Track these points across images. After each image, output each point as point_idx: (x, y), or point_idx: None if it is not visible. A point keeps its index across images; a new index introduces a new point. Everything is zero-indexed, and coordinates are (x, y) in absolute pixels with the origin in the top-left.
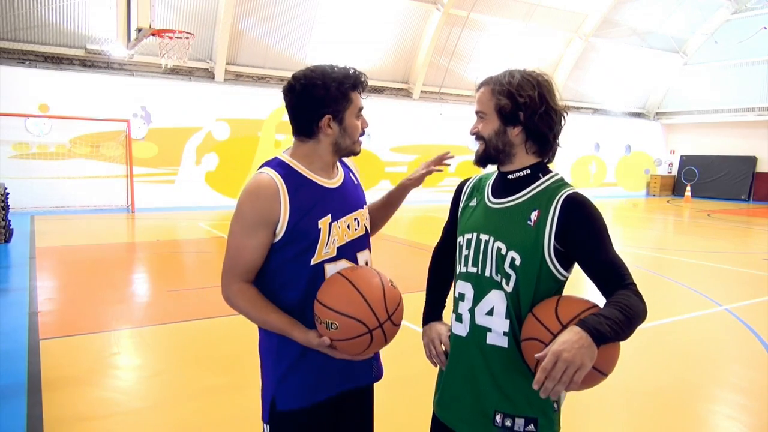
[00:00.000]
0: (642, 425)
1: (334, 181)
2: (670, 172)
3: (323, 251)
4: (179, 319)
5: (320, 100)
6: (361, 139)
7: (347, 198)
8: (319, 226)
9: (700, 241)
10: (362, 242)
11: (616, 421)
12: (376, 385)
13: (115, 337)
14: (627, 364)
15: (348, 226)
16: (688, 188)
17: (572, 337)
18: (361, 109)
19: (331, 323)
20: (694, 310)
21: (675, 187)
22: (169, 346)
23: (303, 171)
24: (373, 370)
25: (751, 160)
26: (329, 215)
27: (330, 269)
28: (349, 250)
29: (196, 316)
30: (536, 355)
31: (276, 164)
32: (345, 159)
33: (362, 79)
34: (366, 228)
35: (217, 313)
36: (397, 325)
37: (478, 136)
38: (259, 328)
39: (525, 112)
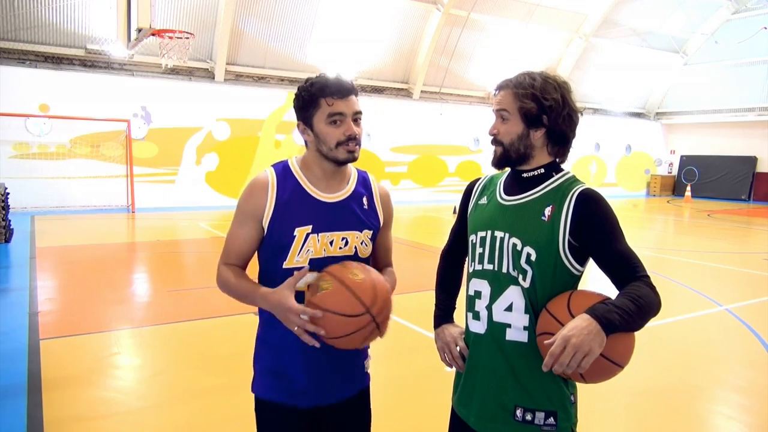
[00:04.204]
0: (642, 425)
1: (332, 195)
2: (671, 172)
3: (294, 259)
4: (179, 319)
5: (296, 108)
6: (350, 146)
7: (341, 215)
8: (295, 233)
9: (700, 241)
10: None
11: (617, 421)
12: (376, 387)
13: (115, 337)
14: (628, 364)
15: (331, 243)
16: (689, 188)
17: (581, 323)
18: (333, 114)
19: (328, 286)
20: (694, 310)
21: (675, 187)
22: (169, 346)
23: (299, 176)
24: (356, 379)
25: (751, 160)
26: (310, 226)
27: None
28: (324, 265)
29: (196, 316)
30: (546, 341)
31: (280, 165)
32: (374, 182)
33: (333, 85)
34: (357, 251)
35: (217, 313)
36: (385, 325)
37: (496, 140)
38: None
39: (550, 115)
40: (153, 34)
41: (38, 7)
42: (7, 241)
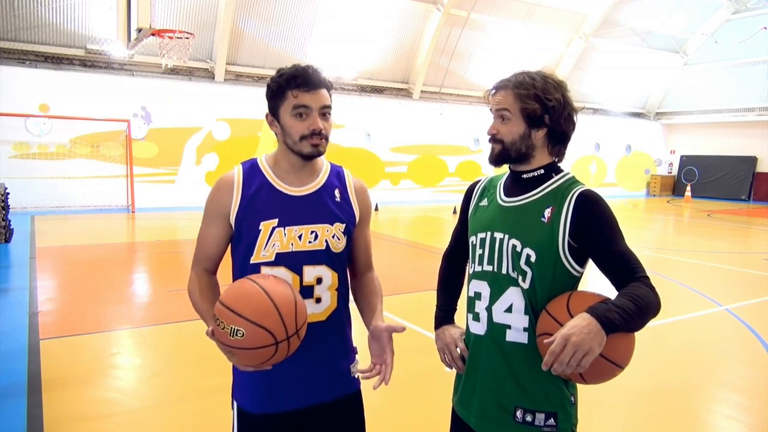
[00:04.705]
0: (642, 425)
1: (301, 189)
2: (670, 172)
3: (261, 253)
4: (179, 319)
5: (267, 98)
6: (314, 140)
7: (310, 209)
8: (260, 228)
9: (700, 241)
10: (316, 257)
11: (617, 421)
12: (373, 389)
13: (115, 337)
14: (628, 365)
15: (300, 237)
16: (689, 188)
17: (581, 322)
18: (298, 107)
19: (237, 330)
20: (694, 310)
21: (675, 187)
22: (169, 346)
23: (266, 171)
24: (345, 381)
25: (751, 160)
26: (276, 219)
27: (266, 273)
28: (292, 260)
29: (196, 316)
30: (546, 340)
31: (249, 162)
32: (349, 176)
33: (301, 77)
34: (328, 244)
35: None
36: (300, 340)
37: (496, 139)
38: None
39: (552, 115)
40: (153, 34)
41: (38, 7)
42: (7, 241)
